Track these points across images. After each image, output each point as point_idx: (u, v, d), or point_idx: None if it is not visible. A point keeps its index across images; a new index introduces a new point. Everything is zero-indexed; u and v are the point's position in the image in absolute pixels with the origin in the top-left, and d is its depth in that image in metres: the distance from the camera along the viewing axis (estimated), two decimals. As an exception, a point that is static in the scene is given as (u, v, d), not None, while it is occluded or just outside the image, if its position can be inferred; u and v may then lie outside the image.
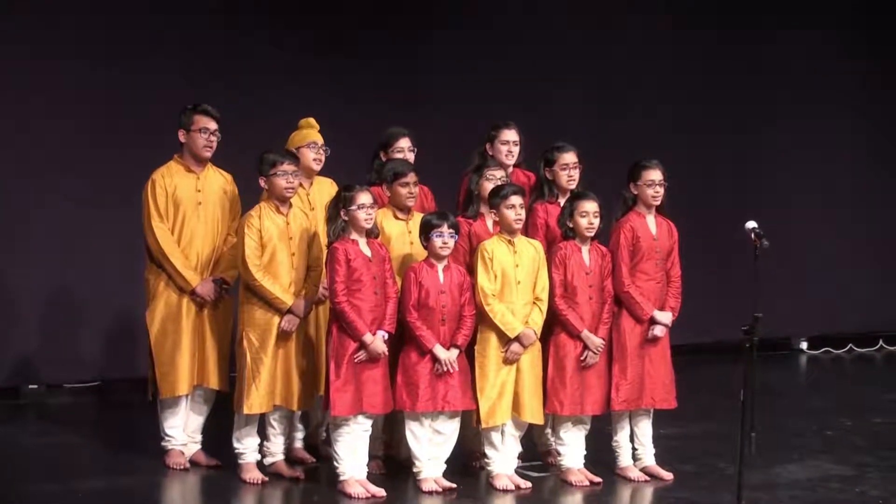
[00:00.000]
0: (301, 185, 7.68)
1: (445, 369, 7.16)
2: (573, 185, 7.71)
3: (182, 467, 7.59)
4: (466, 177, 7.83)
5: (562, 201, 7.66)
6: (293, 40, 10.30)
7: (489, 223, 7.51)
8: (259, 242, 7.23)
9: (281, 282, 7.25)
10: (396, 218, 7.54)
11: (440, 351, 7.15)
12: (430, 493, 7.20)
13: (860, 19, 12.62)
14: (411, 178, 7.51)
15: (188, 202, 7.54)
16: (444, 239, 7.17)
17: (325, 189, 7.75)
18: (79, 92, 9.60)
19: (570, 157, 7.74)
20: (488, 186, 7.53)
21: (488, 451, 7.39)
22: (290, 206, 7.37)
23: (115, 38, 9.69)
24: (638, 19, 11.61)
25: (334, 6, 10.44)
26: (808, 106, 12.32)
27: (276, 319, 7.25)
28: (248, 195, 7.62)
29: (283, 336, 7.27)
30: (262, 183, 7.33)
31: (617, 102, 11.46)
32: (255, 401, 7.23)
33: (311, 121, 7.83)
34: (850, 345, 12.63)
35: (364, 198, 7.10)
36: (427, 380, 7.17)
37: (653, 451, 7.72)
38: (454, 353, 7.20)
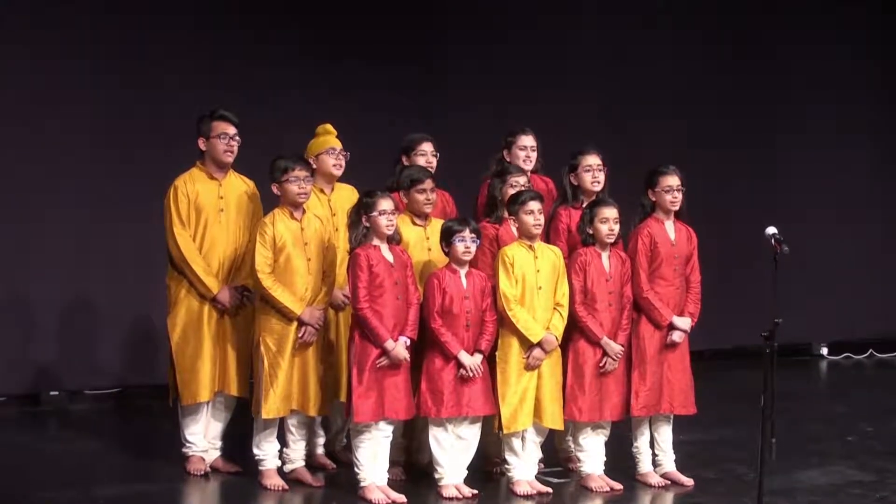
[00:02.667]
0: (322, 190, 7.71)
1: (471, 374, 7.17)
2: (598, 188, 7.71)
3: (202, 473, 7.61)
4: (485, 182, 7.85)
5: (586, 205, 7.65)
6: (309, 45, 10.31)
7: (514, 228, 7.49)
8: (272, 250, 7.25)
9: (297, 287, 7.26)
10: (414, 224, 7.54)
11: (465, 357, 7.15)
12: (451, 499, 7.20)
13: (876, 24, 12.59)
14: (428, 184, 7.51)
15: (210, 209, 7.55)
16: (467, 244, 7.17)
17: (346, 195, 7.76)
18: (94, 100, 9.62)
19: (593, 159, 7.75)
20: (512, 193, 7.53)
21: (509, 457, 7.39)
22: (304, 211, 7.38)
23: (129, 45, 9.71)
24: (654, 27, 11.61)
25: (350, 10, 10.46)
26: (824, 111, 12.32)
27: (294, 325, 7.26)
28: (269, 202, 7.62)
29: (301, 343, 7.29)
30: (274, 189, 7.35)
31: (632, 109, 11.45)
32: (273, 405, 7.24)
33: (329, 126, 7.83)
34: (870, 350, 12.62)
35: (385, 204, 7.10)
36: (452, 386, 7.17)
37: (673, 456, 7.72)
38: (478, 358, 7.20)
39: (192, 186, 7.56)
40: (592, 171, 7.73)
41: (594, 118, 11.20)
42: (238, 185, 7.68)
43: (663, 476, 7.66)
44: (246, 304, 7.59)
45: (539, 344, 7.23)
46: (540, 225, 7.33)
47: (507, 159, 8.02)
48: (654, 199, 7.62)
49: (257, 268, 7.22)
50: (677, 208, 7.62)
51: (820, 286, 12.05)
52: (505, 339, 7.29)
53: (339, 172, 7.78)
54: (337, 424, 7.97)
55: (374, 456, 7.15)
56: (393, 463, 7.39)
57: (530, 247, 7.32)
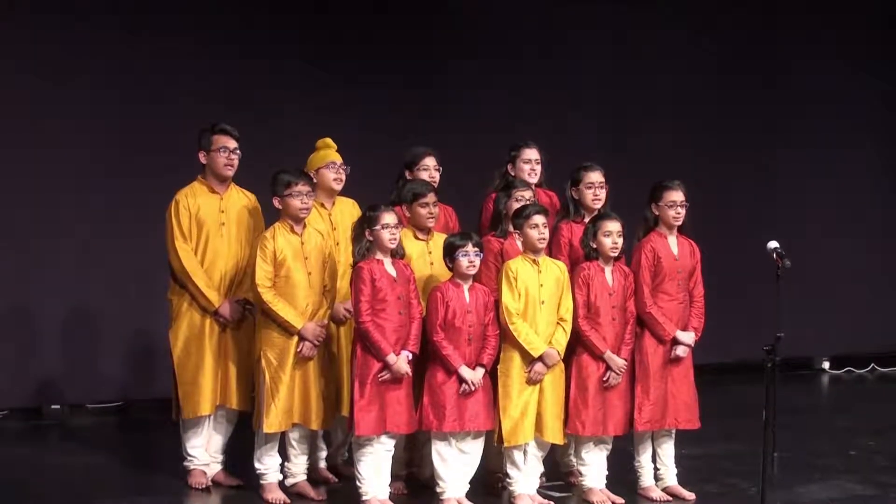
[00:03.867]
0: (323, 205, 7.71)
1: (472, 389, 7.16)
2: (599, 205, 7.70)
3: (204, 487, 7.61)
4: (490, 196, 7.85)
5: (587, 221, 7.65)
6: (311, 58, 10.32)
7: (519, 242, 7.47)
8: (273, 265, 7.25)
9: (298, 302, 7.26)
10: (416, 238, 7.54)
11: (466, 371, 7.14)
12: (453, 513, 7.21)
13: (879, 39, 12.60)
14: (431, 198, 7.51)
15: (211, 222, 7.56)
16: (470, 258, 7.16)
17: (347, 209, 7.77)
18: (96, 114, 9.64)
19: (595, 177, 7.74)
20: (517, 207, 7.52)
21: (510, 470, 7.38)
22: (305, 225, 7.38)
23: (132, 58, 9.73)
24: (655, 41, 11.61)
25: (353, 24, 10.47)
26: (826, 125, 12.31)
27: (295, 339, 7.26)
28: (270, 216, 7.62)
29: (300, 357, 7.28)
30: (276, 203, 7.34)
31: (634, 120, 11.46)
32: (275, 419, 7.24)
33: (329, 141, 7.84)
34: (872, 364, 12.61)
35: (388, 218, 7.10)
36: (454, 400, 7.16)
37: (675, 471, 7.71)
38: (479, 372, 7.19)
39: (194, 200, 7.56)
40: (594, 189, 7.72)
41: (596, 130, 11.22)
42: (239, 199, 7.69)
43: (665, 490, 7.65)
44: (247, 317, 7.60)
45: (540, 358, 7.23)
46: (544, 239, 7.33)
47: (512, 173, 8.02)
48: (657, 213, 7.61)
49: (257, 282, 7.22)
50: (680, 223, 7.62)
51: (822, 300, 12.04)
52: (507, 353, 7.28)
53: (339, 187, 7.79)
54: (339, 438, 7.97)
55: (375, 470, 7.14)
56: (395, 477, 7.39)
57: (534, 261, 7.32)
